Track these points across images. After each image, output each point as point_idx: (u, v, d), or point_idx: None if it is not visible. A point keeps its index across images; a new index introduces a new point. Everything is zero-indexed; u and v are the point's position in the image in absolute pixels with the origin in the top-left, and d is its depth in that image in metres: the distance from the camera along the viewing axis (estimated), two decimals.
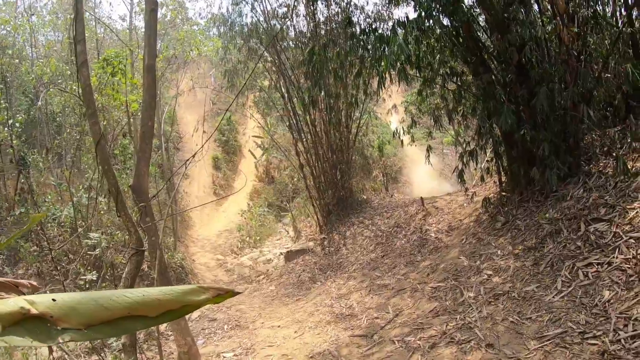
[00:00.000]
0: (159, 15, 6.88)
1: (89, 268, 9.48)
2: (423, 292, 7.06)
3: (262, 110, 17.59)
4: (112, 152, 12.57)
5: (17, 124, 12.40)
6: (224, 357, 7.20)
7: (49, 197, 12.58)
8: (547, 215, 6.44)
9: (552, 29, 7.02)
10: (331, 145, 13.22)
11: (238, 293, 1.10)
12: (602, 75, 7.03)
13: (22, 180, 12.28)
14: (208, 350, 7.54)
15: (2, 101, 12.31)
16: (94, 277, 8.10)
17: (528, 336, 4.63)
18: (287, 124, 13.89)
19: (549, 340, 4.38)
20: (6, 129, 12.00)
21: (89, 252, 9.73)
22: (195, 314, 9.67)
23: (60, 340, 0.88)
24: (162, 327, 8.48)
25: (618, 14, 7.99)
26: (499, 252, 6.76)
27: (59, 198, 12.70)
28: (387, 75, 7.43)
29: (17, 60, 15.16)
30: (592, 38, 7.37)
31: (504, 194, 8.23)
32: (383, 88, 8.00)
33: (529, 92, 6.96)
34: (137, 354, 4.70)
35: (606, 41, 7.58)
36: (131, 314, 0.98)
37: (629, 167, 5.86)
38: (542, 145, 6.74)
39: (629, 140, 6.59)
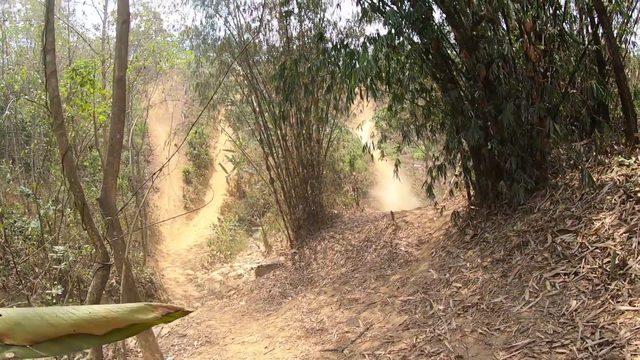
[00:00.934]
0: (133, 25, 6.83)
1: (55, 282, 9.25)
2: (393, 305, 7.07)
3: (233, 124, 17.55)
4: (81, 164, 12.34)
5: None
6: None
7: (16, 209, 12.27)
8: (514, 227, 6.53)
9: (520, 47, 7.16)
10: (302, 160, 13.25)
11: (189, 312, 1.08)
12: (568, 91, 7.21)
13: None
14: None
15: None
16: (60, 292, 7.90)
17: (497, 347, 4.65)
18: (258, 138, 13.87)
19: (517, 350, 4.41)
20: None
21: (54, 266, 9.50)
22: (165, 330, 9.51)
23: (7, 356, 0.86)
24: (131, 343, 8.32)
25: (584, 31, 8.19)
26: (468, 264, 6.82)
27: (26, 210, 12.41)
28: (356, 91, 7.48)
29: None
30: (558, 55, 7.55)
31: (472, 207, 8.34)
32: (352, 103, 8.05)
33: (496, 107, 7.09)
34: None
35: (572, 58, 7.76)
36: (77, 332, 0.96)
37: (595, 180, 5.98)
38: (509, 159, 6.87)
39: (594, 154, 6.75)
